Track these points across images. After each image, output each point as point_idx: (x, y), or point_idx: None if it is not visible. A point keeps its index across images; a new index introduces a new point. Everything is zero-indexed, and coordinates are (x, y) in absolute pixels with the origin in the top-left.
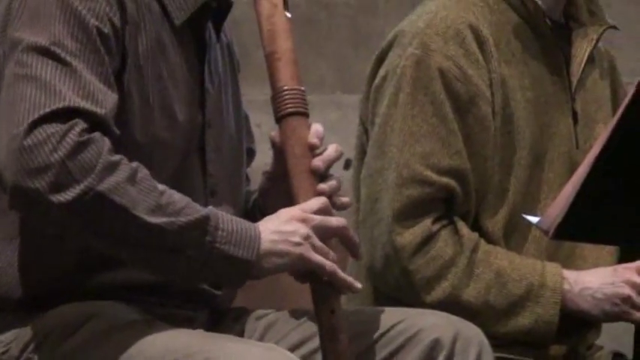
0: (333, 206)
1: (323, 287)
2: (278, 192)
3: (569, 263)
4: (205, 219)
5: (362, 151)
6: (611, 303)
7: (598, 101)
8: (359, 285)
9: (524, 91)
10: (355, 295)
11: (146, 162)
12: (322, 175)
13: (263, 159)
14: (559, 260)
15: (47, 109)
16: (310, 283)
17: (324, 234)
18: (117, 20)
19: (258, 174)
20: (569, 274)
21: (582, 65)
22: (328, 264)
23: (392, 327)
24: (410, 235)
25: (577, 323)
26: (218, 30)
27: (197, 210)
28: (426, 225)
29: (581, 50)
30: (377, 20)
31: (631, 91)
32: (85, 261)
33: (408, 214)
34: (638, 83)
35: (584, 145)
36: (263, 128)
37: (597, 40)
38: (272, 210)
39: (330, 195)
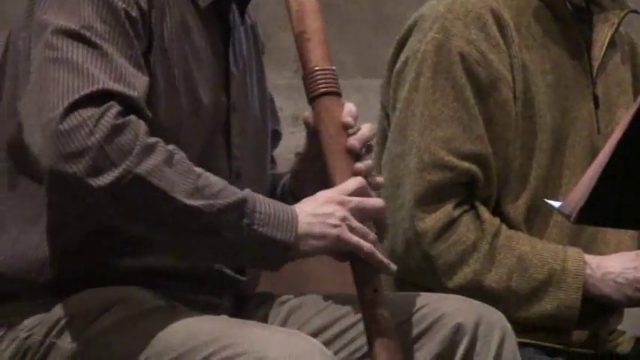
0: (369, 185)
1: (364, 267)
2: (311, 173)
3: (591, 248)
4: (243, 201)
5: (383, 136)
6: (634, 288)
7: (619, 85)
8: (394, 267)
9: (545, 76)
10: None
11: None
12: (357, 154)
13: (284, 142)
14: (581, 245)
15: (82, 93)
16: (350, 263)
17: (362, 215)
18: (144, 4)
19: (281, 158)
20: (591, 259)
21: (603, 49)
22: (366, 245)
23: (415, 312)
24: (431, 220)
25: (599, 308)
26: (242, 12)
27: (234, 192)
28: (447, 210)
29: (602, 34)
30: (397, 4)
31: None
32: (110, 246)
33: (430, 199)
34: None
35: (605, 129)
36: (284, 112)
37: (619, 24)
38: (305, 191)
39: (366, 174)
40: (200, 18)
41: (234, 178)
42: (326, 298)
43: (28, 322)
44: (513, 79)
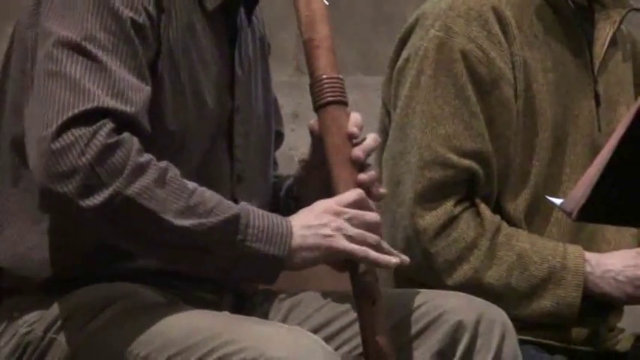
0: (370, 196)
1: (362, 278)
2: (314, 180)
3: (592, 246)
4: (236, 218)
5: (384, 134)
6: (634, 286)
7: (620, 84)
8: (395, 260)
9: (546, 74)
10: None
11: (177, 149)
12: (362, 165)
13: (286, 140)
14: (581, 243)
15: (76, 111)
16: (349, 274)
17: (359, 225)
18: (152, 9)
19: (281, 155)
20: (591, 257)
21: (605, 47)
22: (358, 249)
23: (415, 309)
24: (431, 218)
25: (599, 306)
26: (250, 13)
27: (228, 208)
28: (447, 207)
29: (603, 32)
30: (398, 1)
31: None
32: (111, 246)
33: (430, 196)
34: None
35: (606, 127)
36: (285, 109)
37: (620, 22)
38: (308, 197)
39: (369, 185)
40: (207, 20)
41: (236, 181)
42: (326, 294)
43: (28, 318)
44: (515, 77)
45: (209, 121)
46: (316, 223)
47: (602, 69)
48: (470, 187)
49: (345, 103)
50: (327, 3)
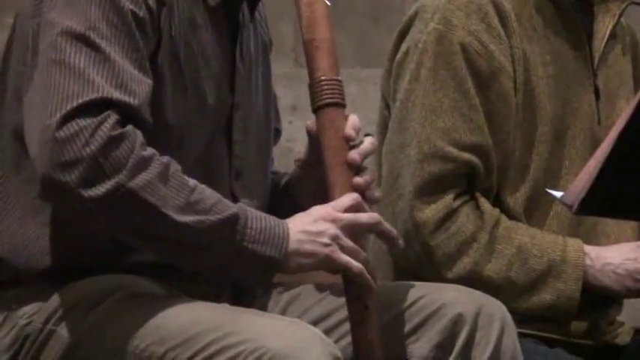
0: (366, 200)
1: (355, 283)
2: (310, 180)
3: (591, 239)
4: (235, 217)
5: (384, 127)
6: (633, 279)
7: (620, 77)
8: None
9: (545, 67)
10: (376, 271)
11: (176, 144)
12: (358, 168)
13: (284, 132)
14: (581, 236)
15: (81, 100)
16: (343, 279)
17: (355, 232)
18: (152, 2)
19: (278, 147)
20: (591, 250)
21: (604, 41)
22: (355, 265)
23: (414, 302)
24: (431, 211)
25: (599, 299)
26: (252, 9)
27: (227, 208)
28: (447, 201)
29: (603, 25)
30: None
31: None
32: (110, 238)
33: (429, 189)
34: None
35: (606, 121)
36: (282, 102)
37: (620, 16)
38: (303, 198)
39: (365, 188)
40: (209, 15)
41: (234, 177)
42: (325, 287)
43: (27, 309)
44: (514, 70)
45: (209, 117)
46: (313, 229)
47: (602, 62)
48: (469, 180)
49: (343, 106)
50: (329, 3)
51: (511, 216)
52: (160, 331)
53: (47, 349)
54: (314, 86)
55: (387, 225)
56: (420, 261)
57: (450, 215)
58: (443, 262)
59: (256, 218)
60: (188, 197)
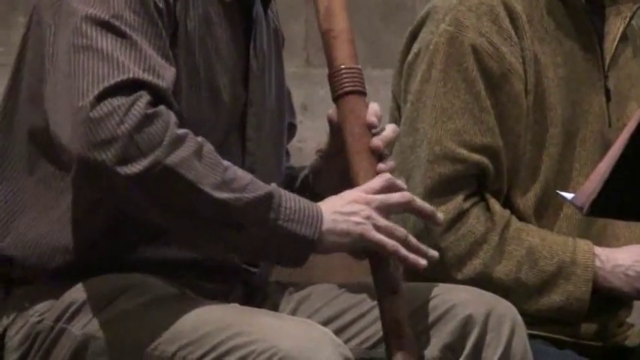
0: None
1: (383, 267)
2: (332, 170)
3: (601, 241)
4: (270, 196)
5: None
6: None
7: (631, 79)
8: (424, 262)
9: (556, 69)
10: None
11: None
12: (380, 155)
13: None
14: (591, 238)
15: (112, 81)
16: (370, 263)
17: (388, 212)
18: None
19: (291, 149)
20: (601, 251)
21: (615, 42)
22: (390, 242)
23: (425, 302)
24: (441, 212)
25: (608, 301)
26: (266, 6)
27: (261, 186)
28: (457, 202)
29: (614, 27)
30: None
31: None
32: (122, 236)
33: (440, 191)
34: None
35: (616, 123)
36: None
37: (631, 18)
38: (325, 188)
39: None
40: (223, 12)
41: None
42: (335, 288)
43: (38, 307)
44: (525, 71)
45: (222, 113)
46: (347, 210)
47: (613, 64)
48: (480, 181)
49: (363, 94)
50: None
51: (521, 217)
52: (170, 330)
53: (58, 347)
54: (334, 75)
55: (420, 202)
56: (430, 262)
57: (460, 216)
58: (453, 264)
59: (291, 198)
60: (223, 175)
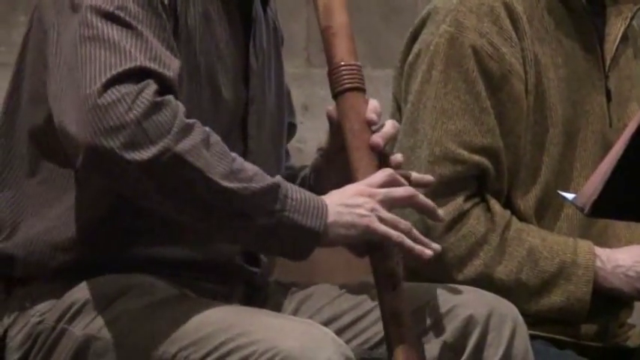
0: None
1: (383, 263)
2: (332, 168)
3: (602, 242)
4: (276, 186)
5: None
6: None
7: (631, 79)
8: (429, 252)
9: (557, 69)
10: None
11: None
12: (381, 151)
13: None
14: (591, 239)
15: (120, 69)
16: (370, 260)
17: (392, 205)
18: None
19: (289, 147)
20: (602, 252)
21: (616, 43)
22: (395, 233)
23: (426, 303)
24: (442, 213)
25: (609, 301)
26: (265, 5)
27: (268, 178)
28: (457, 203)
29: (615, 28)
30: None
31: None
32: (122, 235)
33: (440, 192)
34: None
35: (617, 123)
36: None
37: (632, 18)
38: (325, 187)
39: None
40: (223, 10)
41: None
42: (337, 288)
43: (40, 307)
44: (525, 72)
45: (223, 111)
46: (351, 202)
47: (613, 65)
48: (480, 182)
49: (363, 90)
50: None
51: (522, 218)
52: (171, 331)
53: (59, 347)
54: (333, 72)
55: (423, 197)
56: (430, 263)
57: (460, 217)
58: (453, 264)
59: (296, 190)
60: (231, 165)
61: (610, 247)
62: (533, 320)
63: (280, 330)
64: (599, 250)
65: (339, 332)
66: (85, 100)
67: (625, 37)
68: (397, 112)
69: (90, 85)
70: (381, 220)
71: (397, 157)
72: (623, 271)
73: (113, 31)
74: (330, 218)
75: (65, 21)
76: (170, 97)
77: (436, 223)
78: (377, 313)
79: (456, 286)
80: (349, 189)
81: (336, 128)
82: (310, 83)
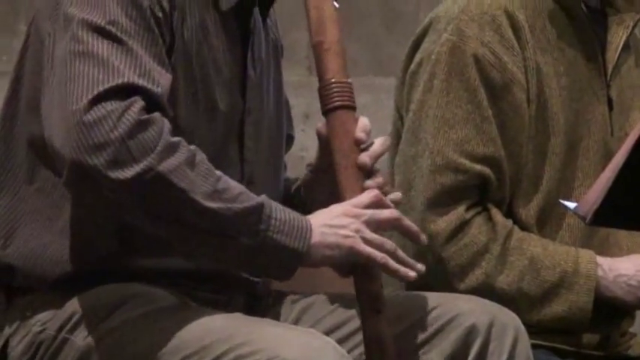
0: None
1: (368, 286)
2: (322, 184)
3: (604, 251)
4: (260, 206)
5: (397, 137)
6: None
7: (633, 88)
8: (413, 274)
9: (559, 78)
10: (387, 283)
11: None
12: (369, 171)
13: (296, 140)
14: (593, 248)
15: (107, 85)
16: (354, 282)
17: (377, 227)
18: (166, 4)
19: (291, 156)
20: (604, 261)
21: (618, 52)
22: (379, 255)
23: (428, 312)
24: (443, 223)
25: (611, 310)
26: (264, 15)
27: (252, 197)
28: (459, 212)
29: (617, 37)
30: (410, 2)
31: None
32: (122, 246)
33: (442, 201)
34: None
35: (619, 132)
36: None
37: (634, 27)
38: (315, 203)
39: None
40: (220, 20)
41: (247, 183)
42: (337, 297)
43: (41, 317)
44: (527, 81)
45: (220, 122)
46: (336, 223)
47: (615, 74)
48: (482, 191)
49: (353, 108)
50: (338, 5)
51: (523, 227)
52: (173, 341)
53: (60, 357)
54: (324, 89)
55: (407, 221)
56: (432, 272)
57: (462, 226)
58: (455, 274)
59: (281, 210)
60: (215, 184)
61: (612, 256)
62: (535, 329)
63: (282, 339)
64: (600, 260)
65: (341, 342)
66: (71, 117)
67: (627, 46)
68: (399, 121)
69: (77, 102)
70: (366, 241)
71: (378, 178)
72: (625, 280)
73: (102, 47)
74: (314, 239)
75: (59, 32)
76: (156, 115)
77: (438, 232)
78: None
79: (458, 295)
80: (335, 209)
81: (325, 145)
82: (311, 92)
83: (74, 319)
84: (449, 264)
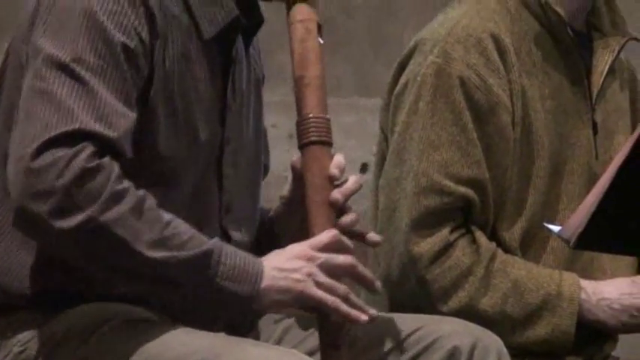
0: (357, 238)
1: (327, 322)
2: (293, 217)
3: (588, 274)
4: (208, 253)
5: (382, 159)
6: (629, 314)
7: (618, 112)
8: (365, 318)
9: (544, 101)
10: (371, 304)
11: (168, 177)
12: (341, 208)
13: (279, 160)
14: (577, 272)
15: (57, 131)
16: (316, 318)
17: (331, 272)
18: (145, 34)
19: (276, 176)
20: (587, 284)
21: (603, 76)
22: (330, 299)
23: (410, 334)
24: (427, 245)
25: (594, 334)
26: (247, 44)
27: (201, 243)
28: (443, 234)
29: (602, 60)
30: (396, 23)
31: None
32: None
33: (426, 223)
34: None
35: (603, 155)
36: (280, 129)
37: (619, 51)
38: (286, 235)
39: (347, 229)
40: (202, 49)
41: (224, 212)
42: None
43: (21, 337)
44: (512, 104)
45: (200, 151)
46: (288, 266)
47: (600, 97)
48: (466, 214)
49: (329, 144)
50: (322, 42)
51: (507, 250)
52: (156, 358)
53: None
54: (301, 123)
55: (362, 268)
56: (415, 295)
57: (446, 249)
58: (438, 296)
59: (231, 255)
60: (161, 232)
61: (595, 279)
62: (517, 352)
63: (264, 359)
64: (584, 283)
65: None
66: (19, 160)
67: (612, 70)
68: (384, 142)
69: (28, 145)
70: (318, 284)
71: (351, 216)
72: (608, 303)
73: (62, 87)
74: (265, 283)
75: (30, 59)
76: (105, 161)
77: (422, 254)
78: (361, 343)
79: (441, 317)
80: (290, 249)
81: (299, 179)
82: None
83: (55, 340)
84: (432, 286)
